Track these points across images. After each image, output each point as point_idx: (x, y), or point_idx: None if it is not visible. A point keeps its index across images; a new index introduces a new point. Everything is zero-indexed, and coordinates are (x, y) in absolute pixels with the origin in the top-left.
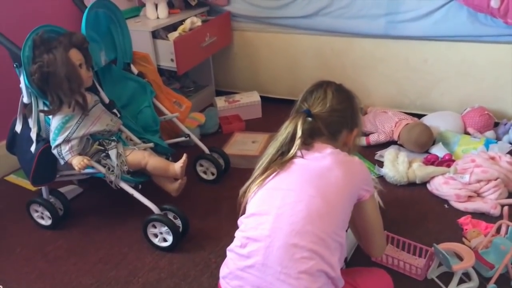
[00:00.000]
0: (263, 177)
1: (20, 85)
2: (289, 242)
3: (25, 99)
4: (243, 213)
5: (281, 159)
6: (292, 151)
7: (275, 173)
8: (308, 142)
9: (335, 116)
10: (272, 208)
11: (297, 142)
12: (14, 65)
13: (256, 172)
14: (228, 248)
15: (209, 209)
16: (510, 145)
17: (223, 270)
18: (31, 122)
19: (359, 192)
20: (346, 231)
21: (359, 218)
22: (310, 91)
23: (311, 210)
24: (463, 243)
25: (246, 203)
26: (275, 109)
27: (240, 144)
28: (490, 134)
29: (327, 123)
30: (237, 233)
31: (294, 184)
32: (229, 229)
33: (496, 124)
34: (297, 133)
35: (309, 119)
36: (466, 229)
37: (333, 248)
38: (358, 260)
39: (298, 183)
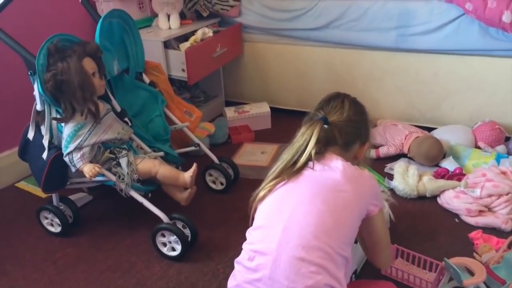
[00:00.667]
0: (272, 183)
1: (34, 93)
2: (296, 256)
3: (38, 107)
4: (253, 221)
5: (293, 168)
6: (302, 160)
7: (283, 182)
8: (321, 151)
9: (351, 126)
10: (279, 221)
11: (309, 150)
12: (29, 73)
13: (268, 178)
14: (236, 260)
15: (218, 219)
16: None
17: (231, 282)
18: (44, 129)
19: (368, 207)
20: (356, 242)
21: (367, 232)
22: (327, 100)
23: (319, 225)
24: (474, 257)
25: (255, 210)
26: (284, 120)
27: (249, 155)
28: (501, 148)
29: (342, 133)
30: (245, 246)
31: (303, 196)
32: (237, 239)
33: (507, 139)
34: (311, 140)
35: (326, 126)
36: (477, 244)
37: (340, 264)
38: (368, 272)
39: (306, 196)
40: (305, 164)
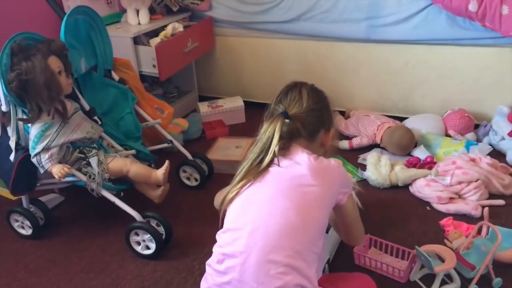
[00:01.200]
0: (239, 185)
1: None
2: (264, 258)
3: (4, 107)
4: (223, 224)
5: (259, 167)
6: (267, 158)
7: (249, 183)
8: (285, 146)
9: (313, 116)
10: (246, 223)
11: (273, 148)
12: None
13: (235, 179)
14: (207, 262)
15: (193, 215)
16: (490, 146)
17: (203, 285)
18: (10, 130)
19: (337, 197)
20: (327, 232)
21: (339, 218)
22: (285, 92)
23: (286, 224)
24: (445, 244)
25: (225, 213)
26: (258, 114)
27: (224, 150)
28: (470, 136)
29: (305, 124)
30: (215, 248)
31: (269, 196)
32: (213, 235)
33: (477, 126)
34: (274, 137)
35: (287, 121)
36: (448, 231)
37: (310, 260)
38: (341, 262)
39: (272, 195)
40: (271, 162)
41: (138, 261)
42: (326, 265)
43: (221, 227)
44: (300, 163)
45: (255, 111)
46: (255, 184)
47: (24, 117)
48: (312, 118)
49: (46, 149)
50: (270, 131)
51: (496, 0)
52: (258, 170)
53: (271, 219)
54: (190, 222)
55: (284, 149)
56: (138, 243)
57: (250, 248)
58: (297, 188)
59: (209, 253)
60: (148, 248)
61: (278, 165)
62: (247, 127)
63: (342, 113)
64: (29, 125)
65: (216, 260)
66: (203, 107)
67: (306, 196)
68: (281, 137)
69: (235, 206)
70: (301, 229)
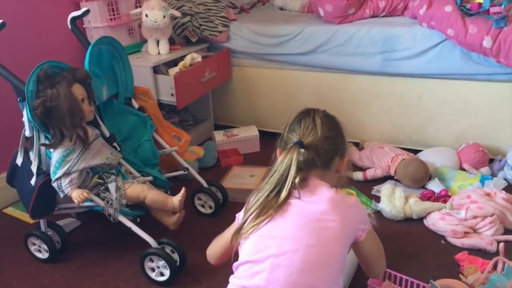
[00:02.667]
0: (257, 221)
1: (23, 119)
2: None
3: (27, 133)
4: (236, 255)
5: (277, 200)
6: (285, 190)
7: (270, 218)
8: (303, 177)
9: (328, 143)
10: (267, 257)
11: (291, 179)
12: (18, 99)
13: (250, 211)
14: None
15: (207, 243)
16: (505, 181)
17: None
18: (32, 155)
19: (355, 233)
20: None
21: (358, 254)
22: (298, 120)
23: (309, 261)
24: (460, 279)
25: (239, 245)
26: (273, 143)
27: (238, 178)
28: (485, 170)
29: (320, 153)
30: (232, 280)
31: (290, 231)
32: (226, 263)
33: (491, 161)
34: (291, 168)
35: (302, 150)
36: (463, 265)
37: None
38: (359, 283)
39: (294, 230)
40: (289, 194)
41: None
42: None
43: (235, 259)
44: (321, 197)
45: (270, 141)
46: (276, 217)
47: (47, 142)
48: (327, 146)
49: (66, 174)
50: (287, 162)
51: (510, 37)
52: (277, 203)
53: (294, 256)
54: (204, 249)
55: (303, 181)
56: (153, 270)
57: (272, 284)
58: (319, 223)
59: (222, 282)
60: (162, 274)
61: (299, 198)
62: (262, 156)
63: (356, 144)
64: (51, 150)
65: None
66: (219, 136)
67: (328, 232)
68: (298, 168)
69: (254, 238)
70: (324, 267)
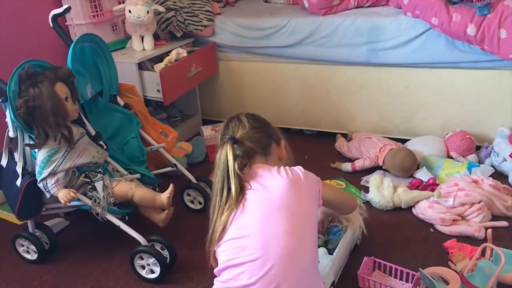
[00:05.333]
0: (222, 220)
1: (6, 119)
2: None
3: (11, 133)
4: (215, 262)
5: (230, 196)
6: (233, 183)
7: (233, 215)
8: (246, 165)
9: (258, 132)
10: (245, 262)
11: (232, 168)
12: (0, 100)
13: (213, 218)
14: None
15: (197, 238)
16: (492, 168)
17: None
18: (17, 156)
19: (316, 197)
20: (331, 253)
21: (328, 206)
22: (226, 124)
23: (290, 249)
24: (449, 266)
25: (214, 253)
26: None
27: None
28: (472, 157)
29: (254, 141)
30: (217, 284)
31: (258, 225)
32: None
33: (478, 148)
34: (228, 159)
35: (236, 145)
36: (451, 253)
37: (316, 271)
38: (345, 285)
39: (261, 223)
40: (242, 188)
41: (143, 285)
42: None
43: (214, 266)
44: (276, 181)
45: None
46: (239, 215)
47: (31, 142)
48: (258, 134)
49: (52, 174)
50: (223, 155)
51: (494, 24)
52: (233, 199)
53: (271, 248)
54: (194, 245)
55: (247, 167)
56: (143, 267)
57: (259, 279)
58: (284, 206)
59: (213, 277)
60: (152, 272)
61: (251, 188)
62: None
63: (345, 135)
64: (36, 150)
65: None
66: (207, 131)
67: (296, 212)
68: (236, 157)
69: (226, 245)
70: (302, 249)
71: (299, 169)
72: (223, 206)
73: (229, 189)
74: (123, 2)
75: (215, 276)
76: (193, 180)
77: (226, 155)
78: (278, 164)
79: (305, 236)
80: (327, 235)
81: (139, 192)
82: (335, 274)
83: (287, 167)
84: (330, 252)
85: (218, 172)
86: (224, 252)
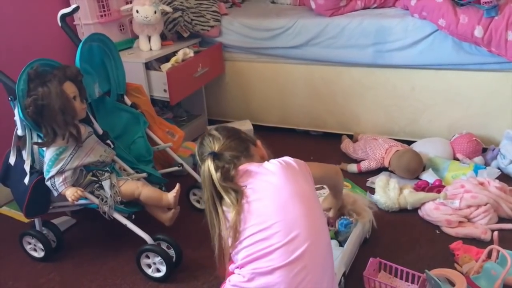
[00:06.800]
0: (231, 224)
1: (15, 118)
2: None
3: (19, 132)
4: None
5: (220, 205)
6: (225, 194)
7: (241, 215)
8: (229, 170)
9: (234, 140)
10: (274, 245)
11: (216, 180)
12: (9, 98)
13: (214, 232)
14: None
15: (203, 238)
16: (498, 170)
17: None
18: (25, 154)
19: (309, 176)
20: (342, 245)
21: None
22: (200, 143)
23: (313, 229)
24: (455, 268)
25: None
26: (267, 137)
27: None
28: (478, 159)
29: (233, 148)
30: (244, 272)
31: (278, 215)
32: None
33: (484, 150)
34: (211, 173)
35: (216, 160)
36: (457, 255)
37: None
38: (351, 286)
39: (279, 212)
40: (237, 191)
41: (149, 284)
42: (342, 278)
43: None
44: (269, 174)
45: (264, 135)
46: (249, 213)
47: (39, 141)
48: (234, 142)
49: (60, 172)
50: (206, 171)
51: (501, 26)
52: (231, 206)
53: (297, 233)
54: (200, 245)
55: (237, 172)
56: (149, 266)
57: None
58: (293, 193)
59: (218, 277)
60: (158, 271)
61: (247, 186)
62: None
63: (350, 136)
64: (44, 149)
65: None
66: None
67: (304, 195)
68: (218, 169)
69: (248, 240)
70: (322, 227)
71: (287, 158)
72: (218, 221)
73: (220, 202)
74: (131, 2)
75: (224, 275)
76: (199, 179)
77: (208, 170)
78: (262, 162)
79: (320, 216)
80: (338, 228)
81: (146, 191)
82: (346, 265)
83: (275, 159)
84: (341, 244)
85: (204, 190)
86: (245, 248)
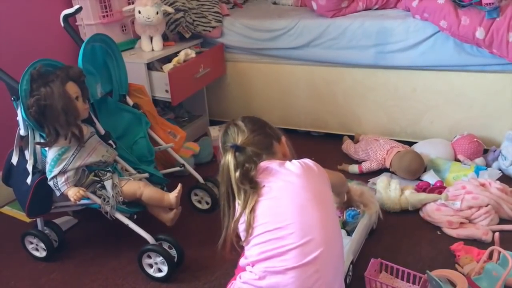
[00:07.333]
0: (247, 217)
1: (17, 118)
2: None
3: (22, 132)
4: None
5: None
6: (237, 192)
7: (257, 211)
8: (250, 170)
9: (258, 135)
10: (288, 246)
11: (232, 174)
12: (12, 98)
13: (225, 223)
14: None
15: (204, 238)
16: (500, 171)
17: None
18: (27, 154)
19: (327, 181)
20: (350, 235)
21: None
22: (224, 131)
23: (327, 237)
24: (456, 269)
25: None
26: None
27: None
28: (480, 161)
29: (256, 144)
30: (256, 270)
31: (294, 216)
32: (223, 258)
33: (486, 151)
34: (230, 170)
35: (237, 153)
36: (458, 256)
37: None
38: (352, 286)
39: (296, 213)
40: (254, 187)
41: (150, 284)
42: (351, 266)
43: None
44: (289, 174)
45: None
46: (265, 209)
47: (42, 141)
48: (258, 137)
49: (62, 172)
50: (225, 164)
51: (503, 28)
52: (245, 202)
53: (312, 237)
54: (201, 245)
55: (257, 169)
56: (151, 266)
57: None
58: (312, 197)
59: (220, 277)
60: (160, 271)
61: (265, 185)
62: None
63: (352, 137)
64: (46, 148)
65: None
66: (214, 131)
67: (322, 200)
68: (238, 166)
69: (261, 237)
70: (337, 236)
71: (307, 160)
72: (229, 214)
73: (233, 197)
74: (133, 3)
75: (229, 274)
76: (201, 180)
77: (228, 166)
78: (282, 159)
79: (335, 223)
80: (346, 218)
81: (148, 192)
82: (354, 253)
83: (297, 160)
84: (349, 233)
85: (222, 182)
86: (258, 245)
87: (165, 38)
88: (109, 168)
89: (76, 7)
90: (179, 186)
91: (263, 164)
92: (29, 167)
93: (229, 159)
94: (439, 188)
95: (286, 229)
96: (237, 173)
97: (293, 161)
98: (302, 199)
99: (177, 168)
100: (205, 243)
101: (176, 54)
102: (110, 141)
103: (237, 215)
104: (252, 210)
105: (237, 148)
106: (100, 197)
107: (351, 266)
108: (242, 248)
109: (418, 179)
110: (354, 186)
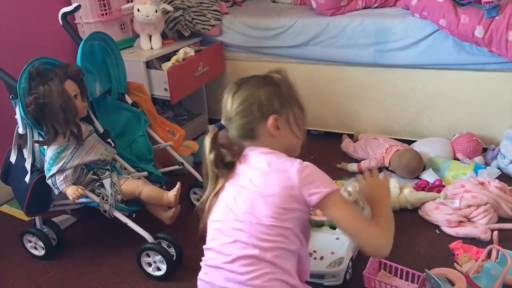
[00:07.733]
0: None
1: (16, 116)
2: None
3: (20, 130)
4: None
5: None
6: (210, 172)
7: (219, 197)
8: (240, 152)
9: (242, 117)
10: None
11: (208, 155)
12: (10, 97)
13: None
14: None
15: (203, 237)
16: (499, 170)
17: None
18: (26, 152)
19: (304, 198)
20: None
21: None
22: (223, 98)
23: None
24: (454, 268)
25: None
26: None
27: None
28: (479, 159)
29: (237, 128)
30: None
31: (246, 215)
32: None
33: (485, 150)
34: (206, 147)
35: (220, 131)
36: (457, 254)
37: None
38: (351, 285)
39: (247, 212)
40: (227, 171)
41: (149, 283)
42: (350, 262)
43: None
44: (258, 167)
45: None
46: (224, 197)
47: (40, 139)
48: (241, 120)
49: (61, 170)
50: (205, 142)
51: (502, 26)
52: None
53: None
54: (200, 243)
55: (239, 154)
56: (149, 264)
57: None
58: (265, 199)
59: None
60: (159, 269)
61: (239, 175)
62: None
63: (351, 136)
64: (45, 147)
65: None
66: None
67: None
68: (213, 147)
69: (213, 224)
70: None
71: (309, 166)
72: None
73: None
74: (132, 1)
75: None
76: (200, 178)
77: (204, 144)
78: (273, 141)
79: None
80: None
81: (147, 190)
82: (353, 250)
83: (287, 159)
84: None
85: (203, 159)
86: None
87: (164, 36)
88: (108, 167)
89: (74, 5)
90: (178, 184)
91: (246, 150)
92: (28, 166)
93: (208, 136)
94: (438, 187)
95: (233, 223)
96: (212, 155)
97: (266, 159)
98: (257, 198)
99: (176, 167)
100: (204, 242)
101: (175, 52)
102: (109, 140)
103: (204, 197)
104: (215, 194)
105: (219, 127)
106: (98, 196)
107: (350, 262)
108: None
109: (417, 177)
110: (353, 183)
